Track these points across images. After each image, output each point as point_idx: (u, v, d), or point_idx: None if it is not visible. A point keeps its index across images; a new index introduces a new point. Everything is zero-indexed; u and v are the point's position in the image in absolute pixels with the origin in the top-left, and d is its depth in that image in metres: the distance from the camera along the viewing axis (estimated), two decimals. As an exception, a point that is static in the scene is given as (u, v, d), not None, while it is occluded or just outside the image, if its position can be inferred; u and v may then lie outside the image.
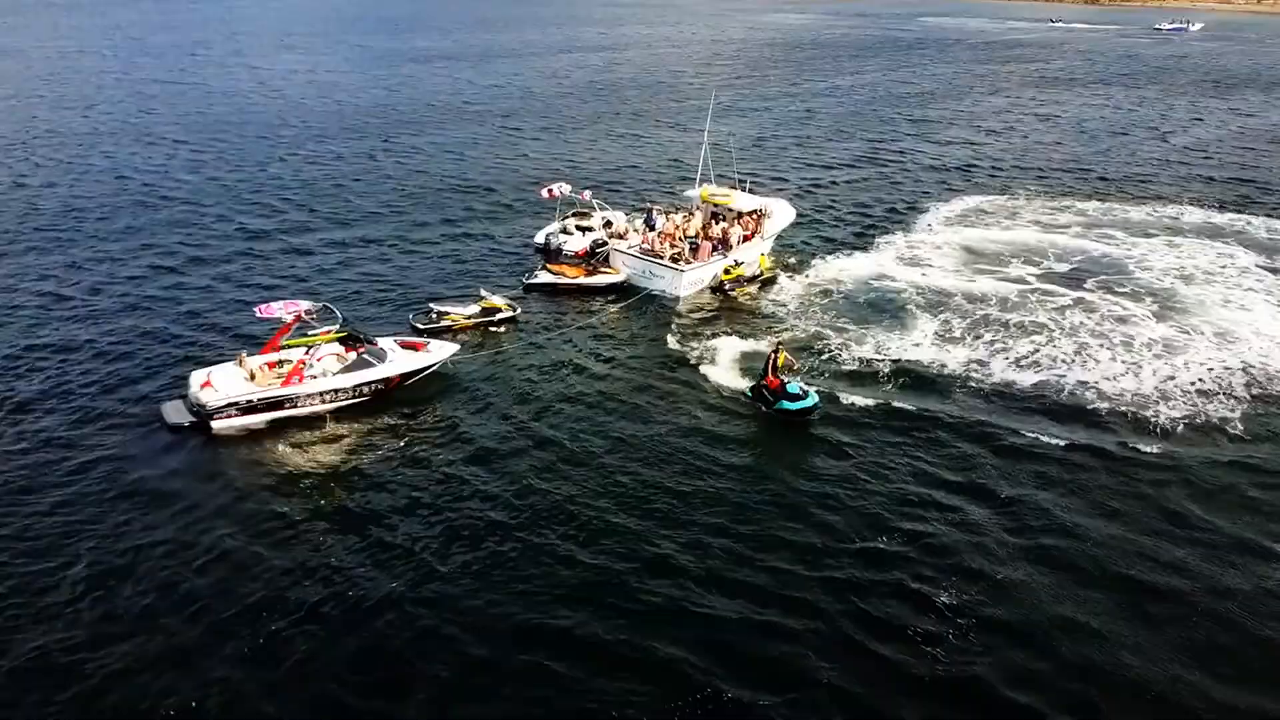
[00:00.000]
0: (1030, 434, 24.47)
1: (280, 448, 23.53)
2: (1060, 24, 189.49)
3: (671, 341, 29.98)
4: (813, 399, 24.72)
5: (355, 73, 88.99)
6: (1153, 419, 25.46)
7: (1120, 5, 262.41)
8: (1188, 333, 31.47)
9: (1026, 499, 21.72)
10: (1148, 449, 23.98)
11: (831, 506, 21.23)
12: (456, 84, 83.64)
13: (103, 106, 67.08)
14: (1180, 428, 25.12)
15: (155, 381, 26.30)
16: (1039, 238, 41.79)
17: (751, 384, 26.05)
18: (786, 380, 24.99)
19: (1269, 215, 46.81)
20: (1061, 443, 24.09)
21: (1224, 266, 38.55)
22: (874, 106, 78.33)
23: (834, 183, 52.36)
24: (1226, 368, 28.67)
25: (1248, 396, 27.01)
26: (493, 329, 30.93)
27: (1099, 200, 49.04)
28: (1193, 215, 46.52)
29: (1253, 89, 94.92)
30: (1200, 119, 75.99)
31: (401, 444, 23.65)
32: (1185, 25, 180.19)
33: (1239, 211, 47.47)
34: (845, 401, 25.92)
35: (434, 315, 30.90)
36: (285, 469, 22.64)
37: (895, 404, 25.83)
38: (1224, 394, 27.02)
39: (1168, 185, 53.23)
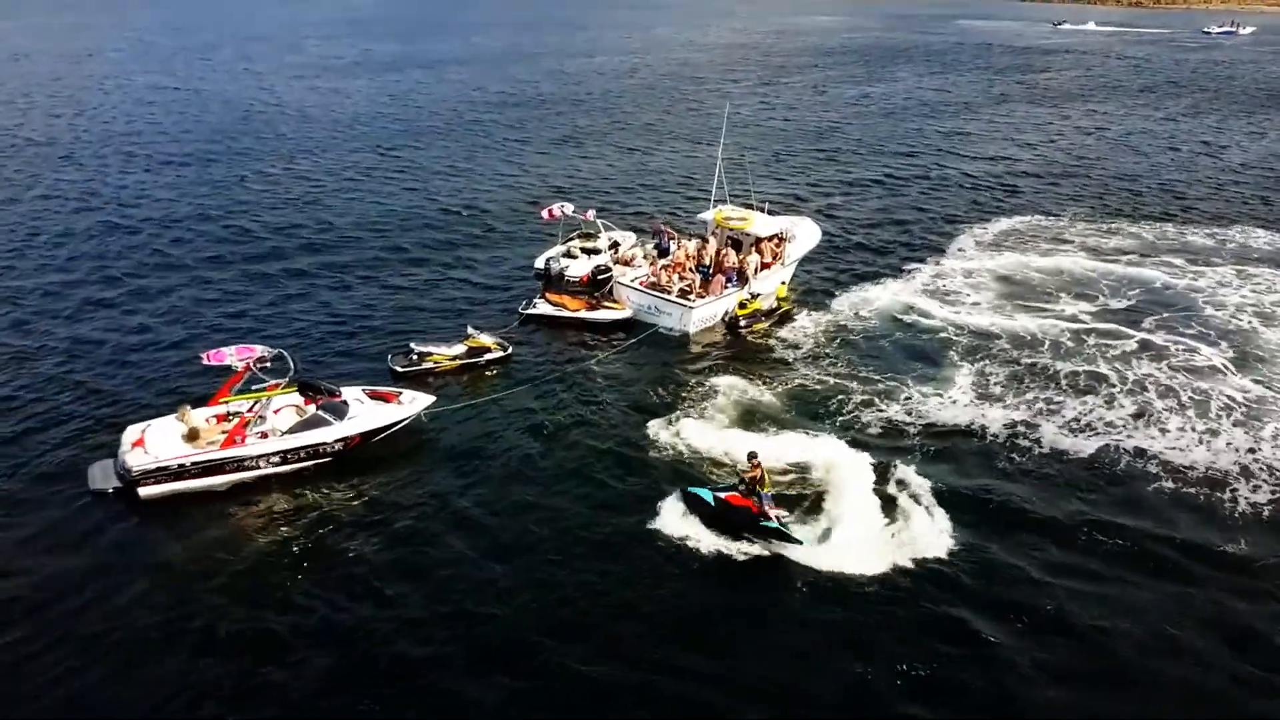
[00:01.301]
0: (1082, 529, 20.43)
1: (215, 520, 20.38)
2: (1065, 26, 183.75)
3: (673, 393, 26.33)
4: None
5: (361, 79, 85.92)
6: (1229, 505, 21.52)
7: (1164, 7, 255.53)
8: (1275, 390, 27.35)
9: (1072, 621, 17.67)
10: (1224, 547, 19.98)
11: (837, 630, 17.38)
12: (463, 92, 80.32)
13: (93, 114, 64.51)
14: (1266, 514, 21.19)
15: (85, 437, 23.18)
16: (1088, 265, 37.88)
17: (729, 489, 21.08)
18: (765, 506, 20.05)
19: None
20: (1120, 541, 20.04)
21: (1303, 303, 34.44)
22: (905, 117, 74.18)
23: (862, 200, 48.55)
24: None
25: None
26: (481, 371, 27.72)
27: (1152, 222, 44.95)
28: (1260, 239, 42.30)
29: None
30: (1260, 133, 71.06)
31: (353, 519, 20.40)
32: (1235, 28, 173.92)
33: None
34: (865, 484, 21.58)
35: (415, 356, 27.70)
36: (217, 547, 19.49)
37: (925, 484, 21.71)
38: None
39: (1228, 205, 48.94)
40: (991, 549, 19.60)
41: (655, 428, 24.24)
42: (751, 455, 20.58)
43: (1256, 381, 27.85)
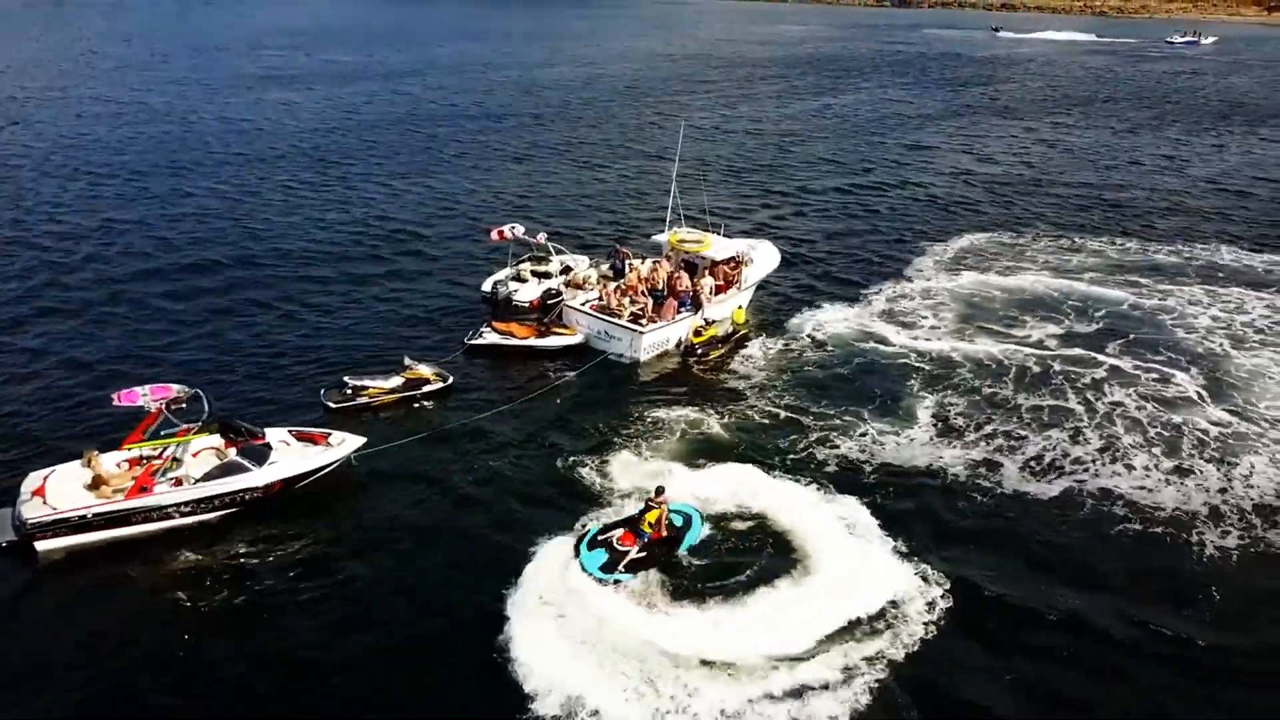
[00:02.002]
0: (1039, 590, 18.82)
1: (116, 577, 18.83)
2: (1004, 33, 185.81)
3: (616, 428, 24.85)
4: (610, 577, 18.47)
5: (312, 90, 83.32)
6: (1197, 551, 20.28)
7: (1128, 17, 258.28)
8: (1249, 420, 26.25)
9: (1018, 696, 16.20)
10: (1189, 607, 18.56)
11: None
12: (416, 105, 78.02)
13: (21, 128, 61.56)
14: (1235, 559, 20.07)
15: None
16: (1052, 285, 36.94)
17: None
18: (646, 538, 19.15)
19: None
20: (1076, 607, 18.35)
21: (1274, 324, 33.52)
22: (867, 131, 73.05)
23: (821, 219, 47.25)
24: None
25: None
26: (419, 405, 26.22)
27: (1116, 238, 44.16)
28: (1227, 256, 41.59)
29: (1274, 110, 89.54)
30: (1220, 146, 70.71)
31: (266, 576, 18.93)
32: (1197, 39, 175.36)
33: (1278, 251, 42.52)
34: (810, 533, 20.00)
35: (349, 390, 26.17)
36: (117, 608, 18.03)
37: (875, 539, 20.09)
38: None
39: (1194, 220, 48.27)
40: (937, 622, 17.80)
41: (595, 466, 22.84)
42: (659, 490, 19.78)
43: (1229, 411, 26.83)
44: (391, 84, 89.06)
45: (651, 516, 19.25)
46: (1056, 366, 29.38)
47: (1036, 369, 29.15)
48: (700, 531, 19.94)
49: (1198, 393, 27.98)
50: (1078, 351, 30.56)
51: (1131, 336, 31.99)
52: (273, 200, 46.65)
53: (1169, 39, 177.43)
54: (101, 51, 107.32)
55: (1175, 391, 28.02)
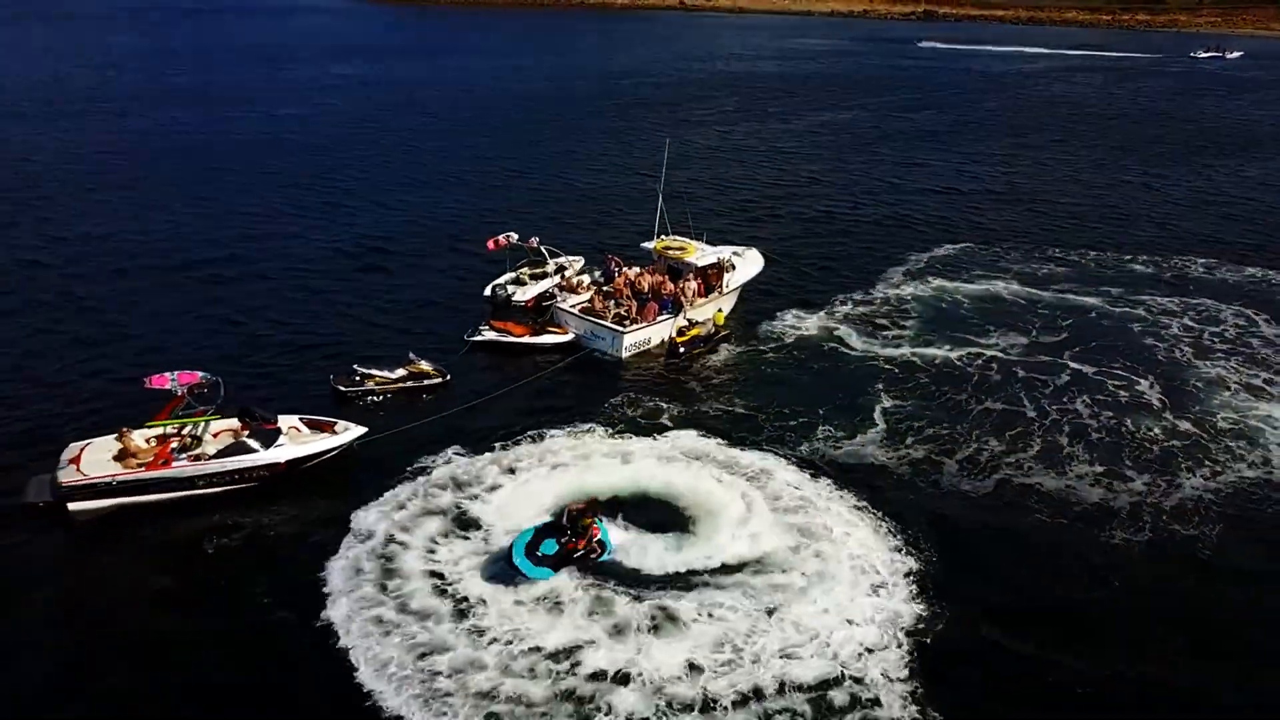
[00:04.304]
0: (950, 584, 20.44)
1: (138, 537, 21.80)
2: (926, 44, 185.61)
3: (590, 416, 27.40)
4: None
5: (321, 102, 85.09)
6: (1102, 545, 22.11)
7: (1157, 29, 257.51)
8: (1200, 429, 27.69)
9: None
10: (1091, 594, 20.35)
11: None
12: (422, 117, 79.66)
13: (41, 138, 63.34)
14: (1139, 555, 21.87)
15: (31, 450, 24.42)
16: (1022, 293, 38.90)
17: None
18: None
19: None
20: (981, 603, 20.02)
21: (1242, 334, 35.10)
22: (860, 146, 73.77)
23: (808, 227, 49.38)
24: (1225, 483, 24.91)
25: (1231, 529, 22.98)
26: (419, 396, 28.95)
27: (1092, 250, 45.79)
28: (1200, 269, 43.13)
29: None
30: (1213, 163, 70.78)
31: (259, 543, 21.81)
32: (1221, 53, 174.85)
33: (1256, 265, 43.87)
34: (742, 528, 21.75)
35: (357, 377, 29.03)
36: (135, 563, 21.06)
37: (817, 528, 21.89)
38: (1206, 522, 23.17)
39: (1175, 236, 49.67)
40: (850, 625, 19.22)
41: (565, 449, 25.31)
42: (593, 501, 21.71)
43: (1183, 418, 28.37)
44: (398, 97, 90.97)
45: (586, 520, 20.97)
46: (1020, 373, 31.11)
47: (998, 375, 30.96)
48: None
49: (1150, 402, 29.51)
50: (1043, 358, 32.34)
51: (1095, 342, 33.75)
52: (306, 208, 49.50)
53: (1193, 53, 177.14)
54: (120, 65, 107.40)
55: (1130, 399, 29.62)
